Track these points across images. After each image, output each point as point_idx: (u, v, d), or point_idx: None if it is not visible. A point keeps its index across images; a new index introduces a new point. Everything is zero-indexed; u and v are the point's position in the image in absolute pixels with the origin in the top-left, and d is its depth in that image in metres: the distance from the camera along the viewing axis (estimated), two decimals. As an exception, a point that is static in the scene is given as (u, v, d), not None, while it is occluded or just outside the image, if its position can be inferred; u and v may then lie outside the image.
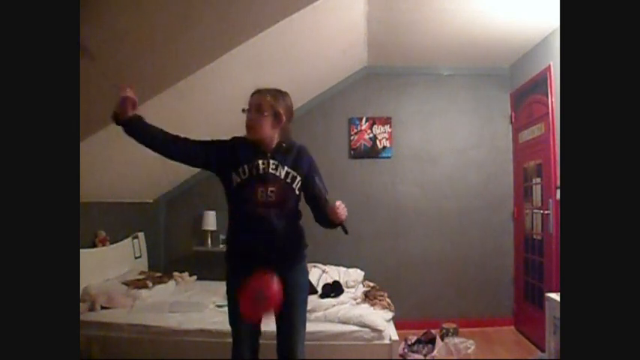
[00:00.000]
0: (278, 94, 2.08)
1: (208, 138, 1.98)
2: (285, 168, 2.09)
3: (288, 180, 2.09)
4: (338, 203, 2.00)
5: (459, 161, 4.76)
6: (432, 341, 3.84)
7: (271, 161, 2.08)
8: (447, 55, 4.44)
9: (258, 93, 2.07)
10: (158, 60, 2.55)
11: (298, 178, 2.11)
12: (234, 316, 2.16)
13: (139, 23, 2.22)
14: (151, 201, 4.86)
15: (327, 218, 2.06)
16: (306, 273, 2.29)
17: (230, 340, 2.97)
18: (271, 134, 2.09)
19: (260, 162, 2.06)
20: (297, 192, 2.13)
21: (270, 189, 2.06)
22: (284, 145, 2.12)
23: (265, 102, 2.04)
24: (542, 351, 3.45)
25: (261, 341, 2.23)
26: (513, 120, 4.69)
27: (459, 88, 4.80)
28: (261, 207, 2.06)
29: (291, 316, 2.14)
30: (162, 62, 2.58)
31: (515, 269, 4.65)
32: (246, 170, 2.05)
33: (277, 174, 2.08)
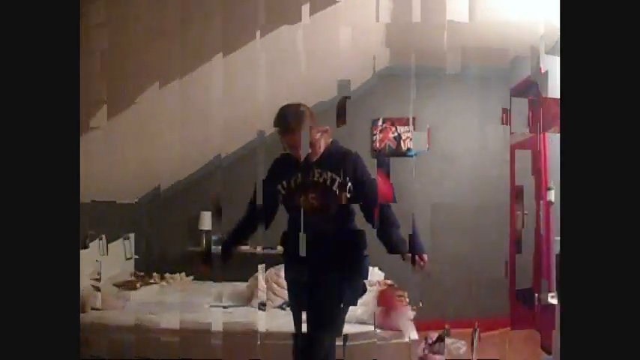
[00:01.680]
0: (305, 116, 2.10)
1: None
2: (329, 174, 2.15)
3: (328, 183, 2.15)
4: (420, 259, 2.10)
5: (454, 161, 4.78)
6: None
7: (313, 170, 2.17)
8: (456, 56, 4.39)
9: (290, 132, 2.08)
10: (154, 60, 2.52)
11: (338, 180, 2.14)
12: (293, 307, 2.36)
13: (137, 20, 2.20)
14: (145, 201, 4.81)
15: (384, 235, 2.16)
16: (359, 275, 2.28)
17: (225, 341, 3.02)
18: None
19: (300, 173, 2.17)
20: (338, 194, 2.15)
21: (310, 195, 2.15)
22: (325, 152, 2.20)
23: (302, 136, 2.07)
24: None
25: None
26: (509, 120, 4.70)
27: (462, 88, 4.79)
28: (306, 214, 2.15)
29: (323, 315, 2.19)
30: (157, 62, 2.56)
31: (506, 270, 4.65)
32: (286, 184, 2.18)
33: (317, 180, 2.15)
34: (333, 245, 2.17)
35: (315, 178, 2.14)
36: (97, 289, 3.44)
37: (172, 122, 3.42)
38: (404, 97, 4.71)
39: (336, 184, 2.14)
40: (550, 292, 3.18)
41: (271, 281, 3.68)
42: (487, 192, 4.70)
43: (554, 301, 2.86)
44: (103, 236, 4.29)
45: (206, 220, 4.67)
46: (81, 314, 3.18)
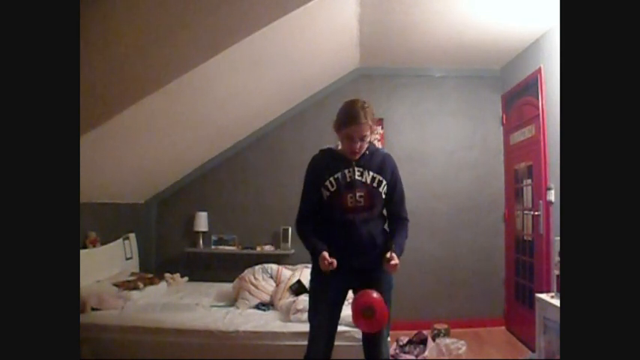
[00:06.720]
0: (370, 111, 2.15)
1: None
2: (371, 173, 2.19)
3: (375, 184, 2.19)
4: (389, 256, 2.07)
5: (451, 162, 4.79)
6: (423, 342, 3.85)
7: (356, 169, 2.18)
8: (439, 57, 4.46)
9: (358, 124, 2.10)
10: (150, 61, 2.53)
11: (384, 182, 2.20)
12: (312, 314, 2.28)
13: (130, 25, 2.21)
14: (142, 202, 4.83)
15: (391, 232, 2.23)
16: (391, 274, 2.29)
17: (222, 342, 3.02)
18: None
19: (346, 171, 2.18)
20: (384, 195, 2.21)
21: (358, 194, 2.16)
22: (367, 152, 2.22)
23: (368, 129, 2.13)
24: (533, 351, 3.47)
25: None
26: (504, 122, 4.73)
27: (451, 90, 4.83)
28: (350, 212, 2.15)
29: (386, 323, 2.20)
30: (153, 63, 2.56)
31: (506, 270, 4.68)
32: (333, 182, 2.17)
33: (363, 179, 2.18)
34: (378, 247, 2.19)
35: (363, 177, 2.17)
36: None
37: (169, 126, 3.44)
38: (375, 98, 4.78)
39: (383, 185, 2.19)
40: (550, 292, 3.19)
41: (248, 282, 3.72)
42: (460, 195, 4.76)
43: (555, 301, 2.87)
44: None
45: (201, 221, 4.68)
46: (81, 314, 3.18)
